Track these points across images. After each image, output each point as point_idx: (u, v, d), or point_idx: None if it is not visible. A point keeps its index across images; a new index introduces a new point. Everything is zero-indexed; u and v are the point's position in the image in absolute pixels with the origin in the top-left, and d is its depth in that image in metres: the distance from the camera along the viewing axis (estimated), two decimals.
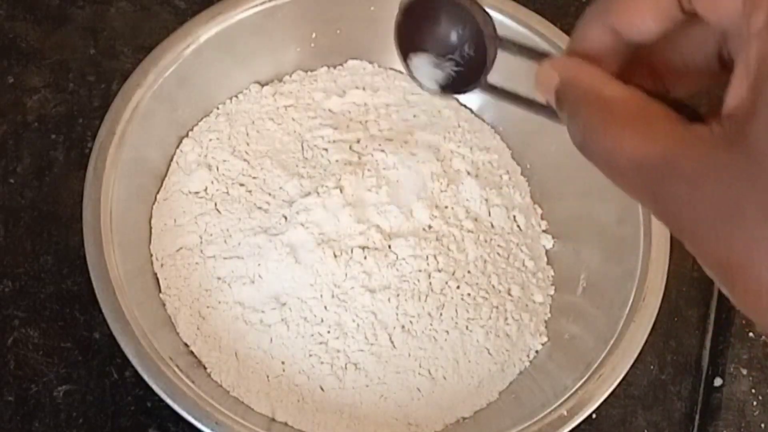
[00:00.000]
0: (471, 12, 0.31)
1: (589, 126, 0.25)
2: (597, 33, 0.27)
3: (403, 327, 0.45)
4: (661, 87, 0.28)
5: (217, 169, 0.49)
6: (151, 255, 0.47)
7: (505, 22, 0.51)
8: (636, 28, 0.26)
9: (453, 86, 0.33)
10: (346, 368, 0.44)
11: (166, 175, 0.49)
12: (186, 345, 0.45)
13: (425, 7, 0.32)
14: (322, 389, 0.44)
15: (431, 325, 0.45)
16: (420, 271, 0.45)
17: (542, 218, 0.52)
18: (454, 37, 0.32)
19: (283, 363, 0.44)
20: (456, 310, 0.46)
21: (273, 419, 0.43)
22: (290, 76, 0.54)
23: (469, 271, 0.47)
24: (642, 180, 0.24)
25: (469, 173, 0.50)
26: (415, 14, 0.33)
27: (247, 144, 0.50)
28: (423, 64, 0.33)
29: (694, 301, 0.53)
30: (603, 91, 0.25)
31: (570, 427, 0.41)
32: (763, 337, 0.51)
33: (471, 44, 0.32)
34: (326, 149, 0.50)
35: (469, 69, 0.32)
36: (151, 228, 0.48)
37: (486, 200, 0.50)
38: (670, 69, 0.28)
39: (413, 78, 0.34)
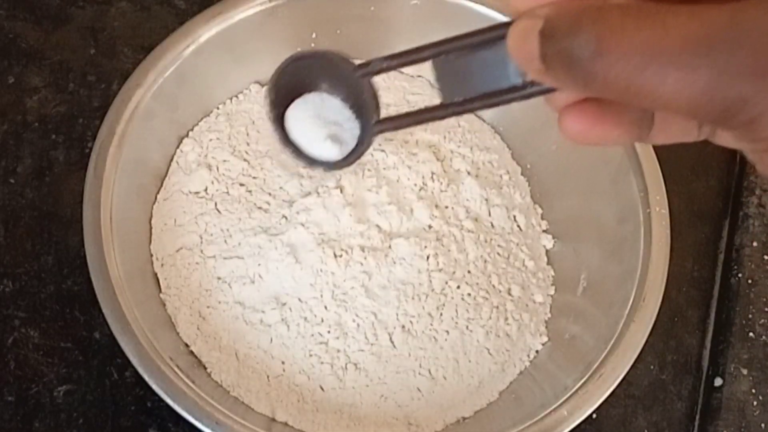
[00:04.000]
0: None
1: (605, 42, 0.22)
2: None
3: (403, 327, 0.45)
4: None
5: (218, 169, 0.49)
6: (151, 255, 0.47)
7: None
8: None
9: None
10: (346, 368, 0.44)
11: (166, 175, 0.49)
12: (186, 345, 0.45)
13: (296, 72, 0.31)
14: (322, 389, 0.44)
15: (431, 325, 0.45)
16: (420, 271, 0.45)
17: (542, 218, 0.52)
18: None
19: (283, 363, 0.44)
20: (456, 310, 0.46)
21: (273, 419, 0.43)
22: None
23: (469, 271, 0.47)
24: (700, 65, 0.22)
25: (469, 173, 0.50)
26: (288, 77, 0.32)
27: (247, 144, 0.50)
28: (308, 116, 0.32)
29: (694, 301, 0.53)
30: (606, 3, 0.23)
31: (570, 427, 0.41)
32: (763, 337, 0.52)
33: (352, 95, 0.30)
34: None
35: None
36: (151, 228, 0.48)
37: (486, 200, 0.50)
38: None
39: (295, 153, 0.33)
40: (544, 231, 0.51)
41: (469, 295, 0.46)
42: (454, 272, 0.46)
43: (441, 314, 0.45)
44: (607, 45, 0.22)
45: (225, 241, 0.47)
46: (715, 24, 0.22)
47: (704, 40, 0.21)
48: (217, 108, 0.52)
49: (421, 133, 0.51)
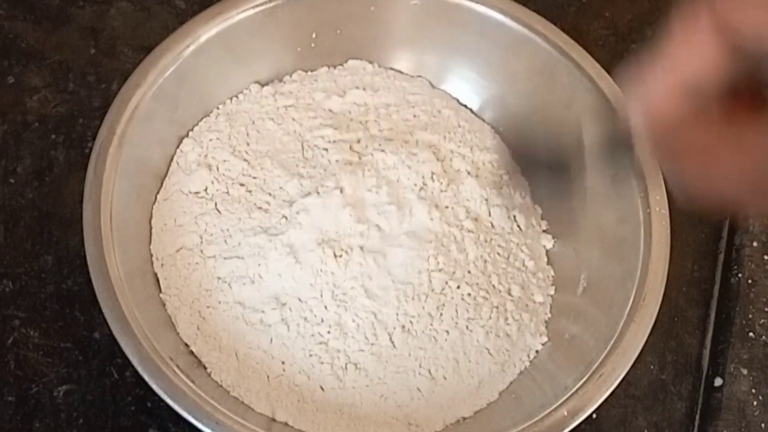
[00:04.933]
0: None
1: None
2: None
3: (403, 327, 0.45)
4: None
5: (217, 169, 0.49)
6: (151, 255, 0.47)
7: (506, 22, 0.51)
8: None
9: None
10: (346, 368, 0.44)
11: (166, 175, 0.49)
12: (186, 345, 0.45)
13: None
14: (322, 389, 0.44)
15: (431, 325, 0.45)
16: (420, 271, 0.45)
17: (542, 218, 0.52)
18: None
19: (283, 363, 0.44)
20: (456, 310, 0.46)
21: (273, 419, 0.43)
22: (290, 76, 0.54)
23: (469, 271, 0.47)
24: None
25: (469, 173, 0.50)
26: None
27: (247, 144, 0.50)
28: None
29: (694, 301, 0.53)
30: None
31: (570, 427, 0.41)
32: (763, 337, 0.52)
33: None
34: (326, 149, 0.50)
35: None
36: (151, 228, 0.48)
37: (486, 200, 0.50)
38: None
39: None
40: (544, 231, 0.51)
41: (469, 295, 0.46)
42: (454, 272, 0.46)
43: (441, 314, 0.45)
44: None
45: (225, 241, 0.47)
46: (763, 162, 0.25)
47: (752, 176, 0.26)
48: (217, 108, 0.52)
49: (421, 133, 0.51)
